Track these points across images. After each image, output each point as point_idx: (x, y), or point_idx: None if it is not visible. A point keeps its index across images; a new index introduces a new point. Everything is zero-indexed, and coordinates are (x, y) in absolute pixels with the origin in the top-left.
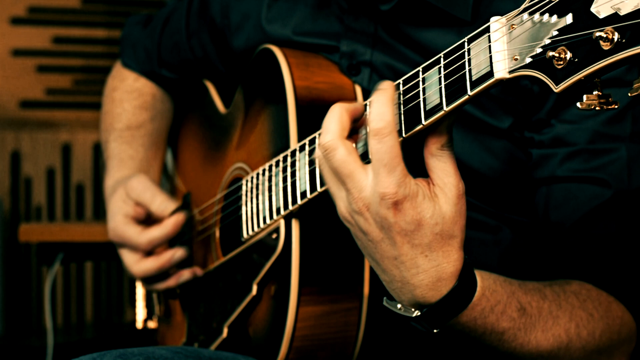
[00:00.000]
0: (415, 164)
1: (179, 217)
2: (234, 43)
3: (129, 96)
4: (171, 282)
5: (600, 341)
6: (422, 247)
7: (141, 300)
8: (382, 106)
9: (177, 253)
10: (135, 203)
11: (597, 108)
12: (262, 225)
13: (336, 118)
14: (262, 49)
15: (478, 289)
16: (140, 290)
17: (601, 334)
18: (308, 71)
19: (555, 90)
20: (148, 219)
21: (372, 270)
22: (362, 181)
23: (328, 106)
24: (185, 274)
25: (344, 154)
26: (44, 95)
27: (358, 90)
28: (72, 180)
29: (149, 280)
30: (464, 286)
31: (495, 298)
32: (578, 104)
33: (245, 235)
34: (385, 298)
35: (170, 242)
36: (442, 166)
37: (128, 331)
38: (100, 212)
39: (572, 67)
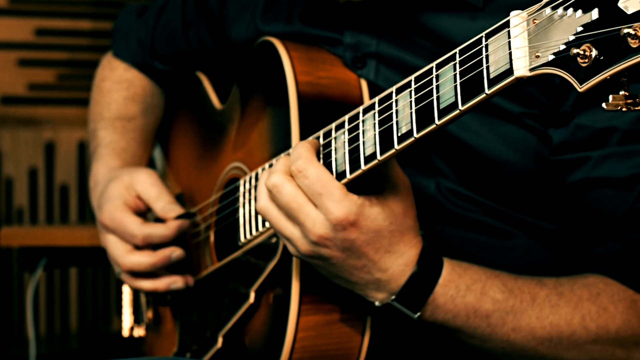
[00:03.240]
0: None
1: (183, 223)
2: (233, 34)
3: (119, 86)
4: (160, 285)
5: (618, 336)
6: (385, 247)
7: (128, 307)
8: (298, 148)
9: (175, 252)
10: (137, 195)
11: (624, 109)
12: (260, 228)
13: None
14: (261, 41)
15: (445, 263)
16: (127, 296)
17: (618, 329)
18: (311, 65)
19: (580, 90)
20: (143, 214)
21: None
22: (312, 213)
23: (332, 103)
24: (179, 282)
25: (293, 188)
26: (26, 91)
27: (364, 85)
28: (55, 180)
29: (134, 275)
30: (429, 261)
31: (469, 276)
32: (603, 105)
33: (242, 239)
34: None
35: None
36: (384, 165)
37: (115, 341)
38: (85, 215)
39: (597, 66)
